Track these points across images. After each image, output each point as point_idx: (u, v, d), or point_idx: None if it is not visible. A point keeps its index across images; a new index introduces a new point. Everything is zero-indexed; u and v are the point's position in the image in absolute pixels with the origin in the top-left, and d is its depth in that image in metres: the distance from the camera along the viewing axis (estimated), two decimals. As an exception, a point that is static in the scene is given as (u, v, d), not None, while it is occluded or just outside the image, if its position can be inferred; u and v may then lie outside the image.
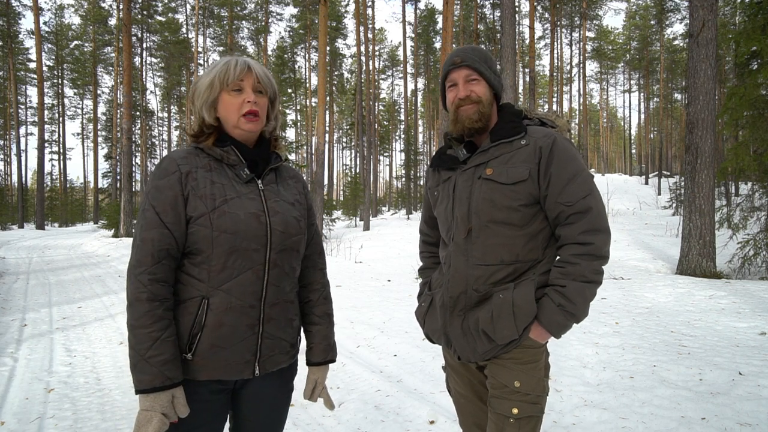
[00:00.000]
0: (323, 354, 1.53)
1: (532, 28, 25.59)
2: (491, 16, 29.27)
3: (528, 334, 1.44)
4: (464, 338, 1.51)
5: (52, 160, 41.41)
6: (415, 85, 37.25)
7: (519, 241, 1.47)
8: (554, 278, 1.43)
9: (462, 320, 1.51)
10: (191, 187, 1.27)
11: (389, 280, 7.90)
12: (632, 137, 56.90)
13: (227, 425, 1.44)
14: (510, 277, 1.47)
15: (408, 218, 24.71)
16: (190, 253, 1.28)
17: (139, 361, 1.17)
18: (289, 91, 37.01)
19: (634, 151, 59.70)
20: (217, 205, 1.27)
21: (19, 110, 37.74)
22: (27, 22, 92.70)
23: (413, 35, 34.71)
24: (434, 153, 1.72)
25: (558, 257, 1.47)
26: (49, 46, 36.18)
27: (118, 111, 32.11)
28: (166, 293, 1.23)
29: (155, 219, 1.24)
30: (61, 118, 40.35)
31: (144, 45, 35.38)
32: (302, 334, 1.52)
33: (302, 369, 1.55)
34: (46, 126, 37.12)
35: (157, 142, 37.08)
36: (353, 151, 39.73)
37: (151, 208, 1.25)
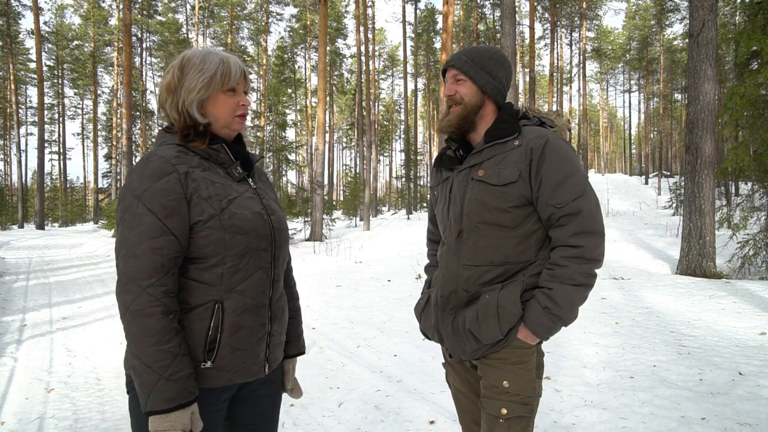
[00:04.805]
0: (298, 346, 1.57)
1: (532, 28, 25.62)
2: (491, 16, 29.31)
3: (515, 335, 1.45)
4: (454, 337, 1.53)
5: (52, 160, 41.49)
6: (415, 85, 37.22)
7: (509, 243, 1.47)
8: (543, 280, 1.43)
9: (452, 319, 1.53)
10: (193, 188, 1.20)
11: (389, 280, 7.90)
12: (632, 137, 56.86)
13: None
14: (500, 278, 1.47)
15: (408, 218, 24.68)
16: (197, 258, 1.21)
17: (159, 379, 1.09)
18: (289, 91, 36.99)
19: (634, 151, 59.66)
20: (224, 206, 1.22)
21: (19, 110, 37.72)
22: (27, 22, 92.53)
23: (413, 35, 34.66)
24: (438, 153, 1.73)
25: (549, 259, 1.47)
26: (49, 46, 36.15)
27: (118, 111, 32.18)
28: (176, 305, 1.17)
29: (158, 225, 1.15)
30: (61, 118, 40.34)
31: (144, 45, 35.41)
32: None
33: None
34: (46, 126, 37.08)
35: (157, 142, 37.06)
36: (353, 151, 39.76)
37: (149, 213, 1.15)
